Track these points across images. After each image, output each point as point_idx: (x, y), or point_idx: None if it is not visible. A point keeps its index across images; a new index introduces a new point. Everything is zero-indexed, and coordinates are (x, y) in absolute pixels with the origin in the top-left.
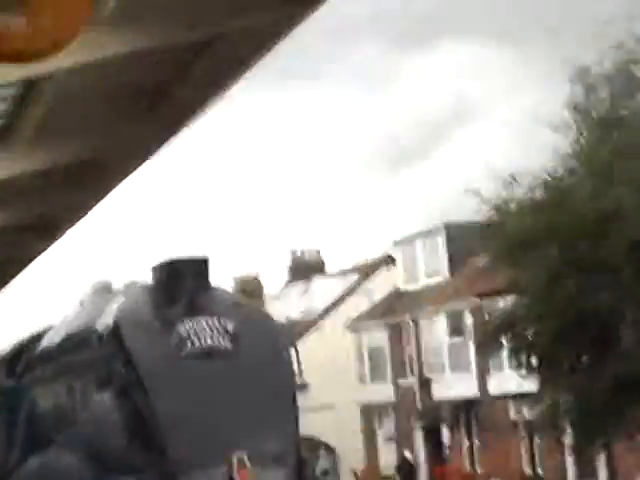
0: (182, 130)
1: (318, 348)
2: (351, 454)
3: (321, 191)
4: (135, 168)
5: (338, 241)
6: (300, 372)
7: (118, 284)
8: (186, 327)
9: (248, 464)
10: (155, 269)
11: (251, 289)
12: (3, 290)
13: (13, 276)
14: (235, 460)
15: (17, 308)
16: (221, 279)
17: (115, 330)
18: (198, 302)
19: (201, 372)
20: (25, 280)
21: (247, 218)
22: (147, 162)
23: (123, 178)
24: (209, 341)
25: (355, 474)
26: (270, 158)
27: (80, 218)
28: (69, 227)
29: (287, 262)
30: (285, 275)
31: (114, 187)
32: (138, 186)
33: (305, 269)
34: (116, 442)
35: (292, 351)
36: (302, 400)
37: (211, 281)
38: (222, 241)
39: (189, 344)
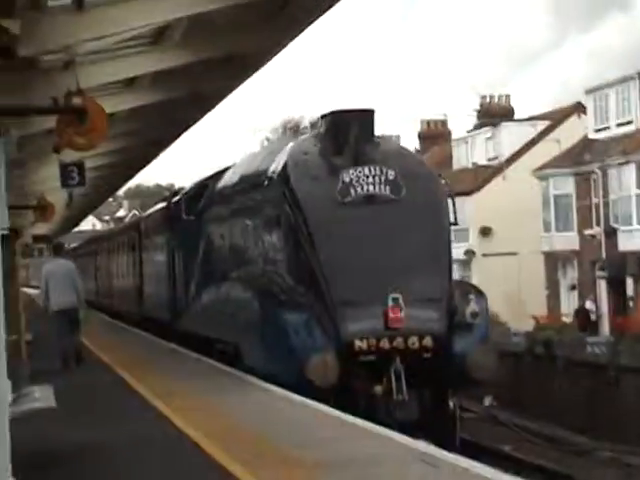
0: None
1: (504, 194)
2: (533, 301)
3: (511, 36)
4: (325, 8)
5: (529, 87)
6: (456, 222)
7: (305, 122)
8: (350, 175)
9: (402, 304)
10: (323, 118)
11: (437, 132)
12: (193, 127)
13: (202, 114)
14: (390, 300)
15: (206, 145)
16: (407, 122)
17: (284, 173)
18: (362, 151)
19: (362, 217)
20: (215, 118)
21: (438, 62)
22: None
23: (313, 17)
24: (371, 188)
25: (536, 320)
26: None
27: (270, 57)
28: (260, 65)
29: (476, 106)
30: (473, 119)
31: (305, 26)
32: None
33: (494, 114)
34: (284, 280)
35: (449, 200)
36: (486, 245)
37: (376, 131)
38: (412, 84)
39: (352, 191)
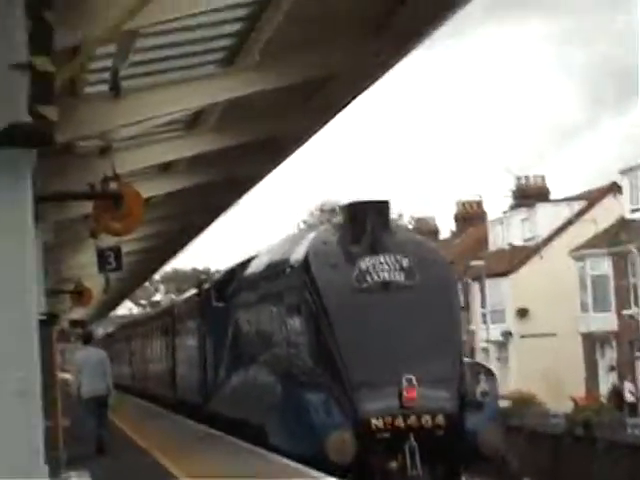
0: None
1: (540, 275)
2: (571, 382)
3: (545, 117)
4: (363, 88)
5: (564, 168)
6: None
7: (341, 204)
8: (366, 263)
9: (416, 384)
10: (342, 209)
11: (473, 213)
12: (229, 211)
13: (238, 197)
14: (404, 381)
15: (243, 228)
16: (442, 203)
17: (305, 262)
18: (378, 241)
19: (377, 303)
20: (252, 201)
21: (473, 143)
22: (376, 80)
23: (349, 98)
24: (386, 276)
25: (574, 401)
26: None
27: (306, 140)
28: (295, 148)
29: (511, 187)
30: (509, 200)
31: (340, 107)
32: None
33: (529, 195)
34: (305, 362)
35: (459, 287)
36: (523, 326)
37: (391, 221)
38: (447, 165)
39: (368, 278)
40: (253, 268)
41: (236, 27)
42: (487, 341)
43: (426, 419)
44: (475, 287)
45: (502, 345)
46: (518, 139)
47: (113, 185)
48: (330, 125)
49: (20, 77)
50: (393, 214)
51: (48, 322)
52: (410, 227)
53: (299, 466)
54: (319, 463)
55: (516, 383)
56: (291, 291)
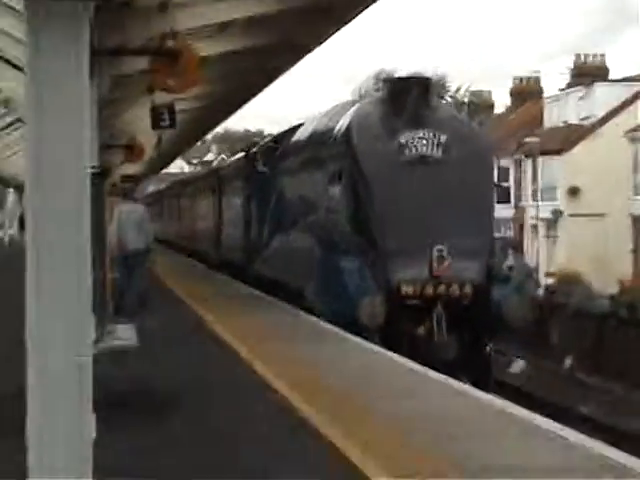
0: None
1: (595, 155)
2: (619, 264)
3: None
4: None
5: (624, 47)
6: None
7: (399, 73)
8: (406, 137)
9: (446, 255)
10: (385, 84)
11: (529, 89)
12: (285, 74)
13: (294, 61)
14: (436, 252)
15: (298, 92)
16: (500, 78)
17: (347, 133)
18: (419, 116)
19: (415, 176)
20: (308, 66)
21: (533, 20)
22: None
23: None
24: (424, 150)
25: (622, 283)
26: None
27: (366, 5)
28: (354, 15)
29: (570, 65)
30: (567, 78)
31: None
32: None
33: (587, 74)
34: (342, 229)
35: (495, 164)
36: (574, 205)
37: (432, 98)
38: (506, 39)
39: (407, 151)
40: (298, 136)
41: None
42: (537, 218)
43: (454, 288)
44: (528, 164)
45: (552, 223)
46: (579, 18)
47: (171, 42)
48: None
49: None
50: (450, 86)
51: (101, 175)
52: (466, 100)
53: (332, 327)
54: (351, 325)
55: (563, 261)
56: (333, 160)
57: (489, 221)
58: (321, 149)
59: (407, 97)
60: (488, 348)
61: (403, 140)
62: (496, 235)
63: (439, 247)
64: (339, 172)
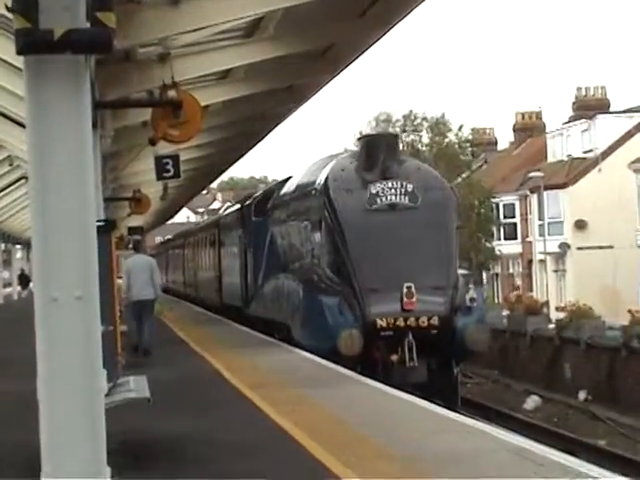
0: None
1: (599, 188)
2: (628, 295)
3: (611, 24)
4: None
5: (625, 78)
6: (460, 226)
7: (398, 115)
8: (377, 187)
9: (414, 291)
10: (359, 141)
11: (532, 124)
12: (287, 120)
13: (295, 107)
14: (405, 289)
15: (301, 137)
16: (501, 114)
17: (325, 186)
18: (387, 168)
19: (385, 222)
20: (311, 110)
21: (533, 53)
22: None
23: (409, 7)
24: (393, 198)
25: (632, 314)
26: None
27: (364, 49)
28: (353, 58)
29: (571, 98)
30: (568, 111)
31: (400, 16)
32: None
33: (589, 106)
34: (323, 271)
35: (455, 206)
36: (581, 239)
37: (399, 152)
38: (506, 75)
39: (378, 200)
40: (286, 189)
41: None
42: (544, 253)
43: (422, 320)
44: (533, 198)
45: (559, 257)
46: (580, 50)
47: (172, 92)
48: (389, 36)
49: None
50: (452, 125)
51: (107, 228)
52: (469, 138)
53: (315, 357)
54: (332, 356)
55: (573, 295)
56: (314, 210)
57: (453, 259)
58: (304, 201)
59: (377, 152)
60: (455, 371)
61: (374, 190)
62: (460, 271)
63: (408, 284)
64: (319, 221)
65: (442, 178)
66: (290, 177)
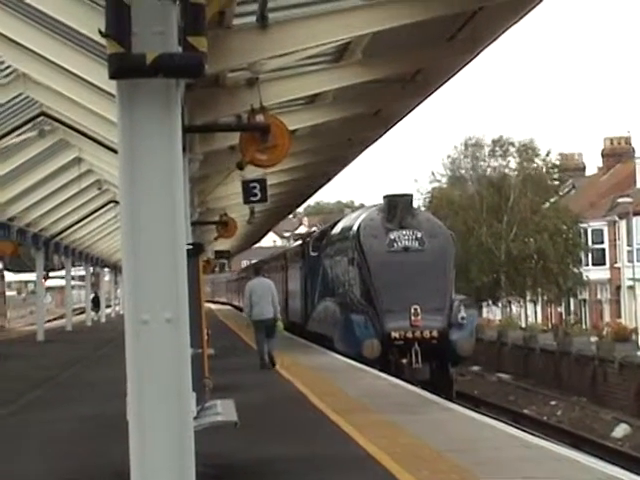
0: None
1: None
2: None
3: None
4: (512, 21)
5: None
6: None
7: (487, 140)
8: (395, 234)
9: (420, 311)
10: (384, 198)
11: (621, 150)
12: (374, 144)
13: (383, 132)
14: (413, 310)
15: (388, 162)
16: (592, 140)
17: (357, 233)
18: (404, 220)
19: (400, 260)
20: (399, 135)
21: (623, 77)
22: (526, 14)
23: (497, 32)
24: (407, 243)
25: None
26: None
27: (452, 74)
28: (441, 83)
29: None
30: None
31: (487, 42)
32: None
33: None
34: (354, 296)
35: (452, 249)
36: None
37: (414, 207)
38: (595, 99)
39: (395, 244)
40: (334, 230)
41: None
42: (633, 279)
43: (425, 333)
44: (622, 224)
45: None
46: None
47: (260, 117)
48: (478, 59)
49: (172, 8)
50: (539, 151)
51: (194, 252)
52: (557, 163)
53: (348, 360)
54: (359, 358)
55: None
56: (349, 250)
57: (449, 288)
58: (344, 242)
59: (396, 208)
60: (451, 371)
61: (392, 236)
62: (458, 296)
63: (415, 306)
64: (353, 258)
65: (445, 227)
66: (339, 220)
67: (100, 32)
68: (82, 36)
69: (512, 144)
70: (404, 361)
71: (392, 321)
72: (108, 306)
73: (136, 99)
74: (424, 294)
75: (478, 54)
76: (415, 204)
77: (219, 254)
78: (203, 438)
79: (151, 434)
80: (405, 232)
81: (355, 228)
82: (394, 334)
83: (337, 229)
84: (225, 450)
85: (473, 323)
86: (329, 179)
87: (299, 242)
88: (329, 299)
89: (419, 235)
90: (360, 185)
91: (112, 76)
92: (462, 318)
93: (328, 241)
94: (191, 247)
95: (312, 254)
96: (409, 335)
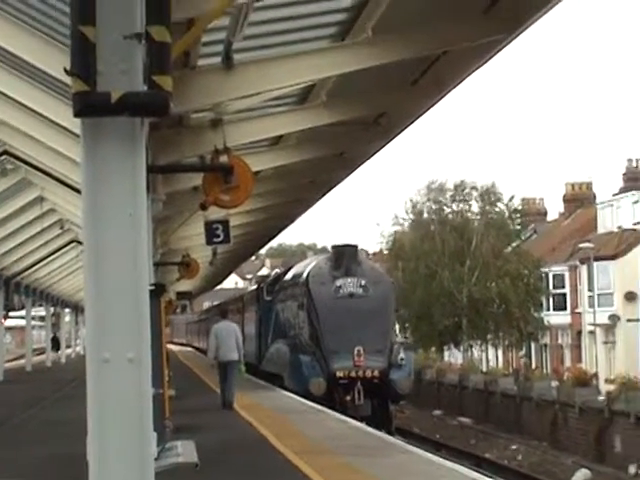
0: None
1: None
2: None
3: None
4: (475, 66)
5: None
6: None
7: (450, 184)
8: (341, 282)
9: (362, 352)
10: (332, 248)
11: (582, 195)
12: (337, 186)
13: (346, 174)
14: (356, 351)
15: (351, 204)
16: (553, 185)
17: (307, 280)
18: (349, 268)
19: (346, 305)
20: (361, 178)
21: (584, 124)
22: (489, 59)
23: (460, 77)
24: (352, 289)
25: None
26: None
27: (415, 118)
28: (404, 127)
29: (622, 170)
30: (619, 183)
31: (451, 86)
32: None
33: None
34: (303, 338)
35: (394, 295)
36: (630, 311)
37: (359, 256)
38: (557, 146)
39: (341, 290)
40: (286, 277)
41: (349, 1)
42: (594, 324)
43: (368, 372)
44: (583, 269)
45: (609, 328)
46: (631, 123)
47: (223, 157)
48: (441, 104)
49: (137, 47)
50: (501, 196)
51: (157, 292)
52: (519, 208)
53: (294, 396)
54: (307, 395)
55: (622, 367)
56: (299, 295)
57: (390, 331)
58: (295, 288)
59: (343, 257)
60: (391, 408)
61: (339, 284)
62: (397, 339)
63: (358, 348)
64: (302, 302)
65: (386, 275)
66: (291, 267)
67: (65, 70)
68: (47, 75)
69: (475, 188)
70: (348, 398)
71: (337, 361)
72: (68, 346)
73: (100, 138)
74: (367, 337)
75: (441, 98)
76: (377, 247)
77: (181, 295)
78: (164, 479)
79: (111, 475)
80: (350, 279)
81: (305, 275)
82: (339, 373)
83: (289, 275)
84: None
85: (411, 363)
86: (292, 221)
87: (255, 287)
88: (281, 341)
89: (363, 282)
90: (322, 227)
91: (77, 114)
92: (401, 359)
93: (281, 286)
94: (153, 288)
95: (266, 298)
96: (352, 374)
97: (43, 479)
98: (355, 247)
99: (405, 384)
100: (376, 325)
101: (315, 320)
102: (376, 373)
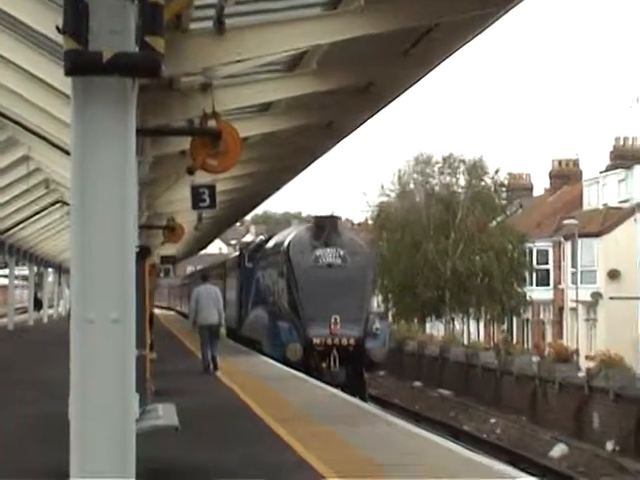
0: None
1: (634, 238)
2: None
3: None
4: (467, 39)
5: None
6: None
7: (438, 157)
8: (320, 252)
9: (339, 321)
10: (313, 218)
11: (569, 172)
12: (324, 153)
13: (334, 143)
14: (333, 319)
15: (337, 174)
16: (540, 161)
17: (287, 249)
18: (329, 239)
19: (325, 275)
20: (349, 147)
21: (574, 101)
22: (481, 32)
23: (451, 49)
24: (330, 259)
25: None
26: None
27: (405, 88)
28: (393, 97)
29: (609, 148)
30: (606, 160)
31: (442, 58)
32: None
33: (627, 156)
34: (282, 305)
35: (372, 266)
36: (613, 288)
37: (339, 227)
38: (545, 121)
39: (320, 260)
40: (269, 245)
41: None
42: (576, 301)
43: (343, 340)
44: (567, 246)
45: (591, 306)
46: (620, 100)
47: (212, 122)
48: (432, 75)
49: (130, 7)
50: (488, 170)
51: (141, 255)
52: (505, 182)
53: (274, 362)
54: (284, 361)
55: (603, 344)
56: (280, 264)
57: (367, 301)
58: (276, 256)
59: (323, 227)
60: (365, 376)
61: (318, 253)
62: (373, 310)
63: (335, 316)
64: (282, 271)
65: (366, 246)
66: (272, 235)
67: (57, 28)
68: (37, 34)
69: (463, 161)
70: (324, 365)
71: (314, 328)
72: (51, 306)
73: (91, 97)
74: (344, 306)
75: (431, 69)
76: (363, 217)
77: (165, 259)
78: (143, 441)
79: (93, 434)
80: (329, 250)
81: (285, 244)
82: (315, 340)
83: (270, 244)
84: (165, 454)
85: (386, 333)
86: (278, 188)
87: (236, 254)
88: (260, 307)
89: (342, 253)
90: (308, 196)
91: (67, 73)
92: (377, 329)
93: (262, 254)
94: (139, 250)
95: (247, 265)
96: (329, 342)
97: (25, 438)
98: (336, 218)
99: (380, 353)
100: (353, 295)
101: (294, 288)
102: (352, 341)
